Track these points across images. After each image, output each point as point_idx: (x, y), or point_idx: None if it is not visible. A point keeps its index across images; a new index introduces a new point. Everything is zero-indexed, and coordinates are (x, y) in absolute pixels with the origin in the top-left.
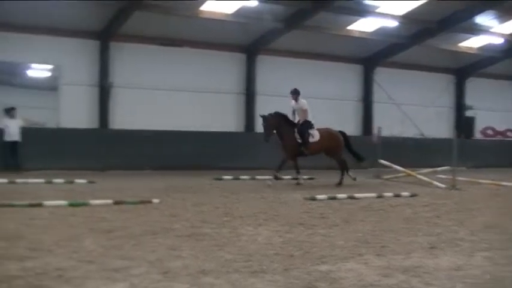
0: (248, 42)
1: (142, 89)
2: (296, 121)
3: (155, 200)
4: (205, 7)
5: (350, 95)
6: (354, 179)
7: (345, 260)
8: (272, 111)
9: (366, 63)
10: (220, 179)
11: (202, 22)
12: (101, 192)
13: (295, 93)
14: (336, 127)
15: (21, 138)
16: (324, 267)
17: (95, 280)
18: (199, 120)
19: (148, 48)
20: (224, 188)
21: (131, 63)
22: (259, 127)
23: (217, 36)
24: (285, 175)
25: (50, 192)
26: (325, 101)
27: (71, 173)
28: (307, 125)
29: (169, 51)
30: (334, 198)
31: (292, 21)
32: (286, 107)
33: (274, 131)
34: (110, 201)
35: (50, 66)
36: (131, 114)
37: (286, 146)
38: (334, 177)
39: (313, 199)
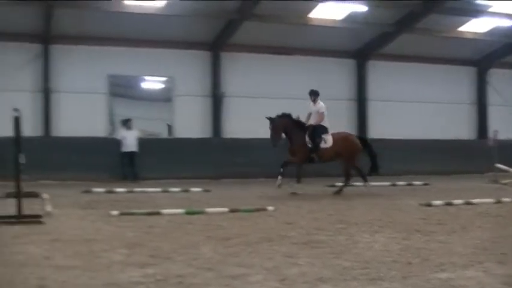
0: (358, 48)
1: (254, 98)
2: (309, 123)
3: (270, 208)
4: (314, 14)
5: (462, 98)
6: (365, 185)
7: (465, 267)
8: (383, 117)
9: (479, 66)
10: (333, 186)
11: (311, 29)
12: (216, 200)
13: (314, 94)
14: (448, 131)
15: (138, 149)
16: (443, 275)
17: (214, 287)
18: None
19: (259, 57)
20: (337, 195)
21: (242, 73)
22: (371, 133)
23: (327, 43)
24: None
25: (167, 200)
26: (436, 104)
27: (186, 181)
28: (321, 129)
29: (279, 59)
30: (450, 204)
31: (403, 24)
32: (403, 112)
33: (284, 135)
34: (225, 209)
35: (163, 78)
36: (243, 123)
37: (295, 150)
38: (451, 182)
39: (429, 205)
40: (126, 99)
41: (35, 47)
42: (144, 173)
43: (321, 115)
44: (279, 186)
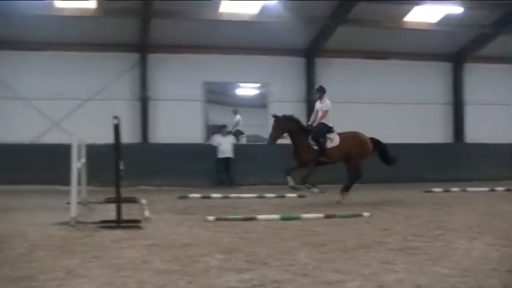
0: (454, 51)
1: (349, 103)
2: (311, 122)
3: (366, 214)
4: (408, 17)
5: None
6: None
7: None
8: (485, 122)
9: None
10: (430, 192)
11: (407, 33)
12: (311, 206)
13: (320, 91)
14: None
15: (233, 155)
16: None
17: None
18: (406, 132)
19: (353, 62)
20: (434, 201)
21: (337, 78)
22: (469, 137)
23: (423, 46)
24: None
25: (262, 206)
26: None
27: (280, 187)
28: (324, 128)
29: (374, 64)
30: None
31: (499, 25)
32: (501, 115)
33: (286, 136)
34: (320, 214)
35: (258, 85)
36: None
37: (302, 156)
38: None
39: None
40: (221, 106)
41: (133, 57)
42: (238, 178)
43: (324, 112)
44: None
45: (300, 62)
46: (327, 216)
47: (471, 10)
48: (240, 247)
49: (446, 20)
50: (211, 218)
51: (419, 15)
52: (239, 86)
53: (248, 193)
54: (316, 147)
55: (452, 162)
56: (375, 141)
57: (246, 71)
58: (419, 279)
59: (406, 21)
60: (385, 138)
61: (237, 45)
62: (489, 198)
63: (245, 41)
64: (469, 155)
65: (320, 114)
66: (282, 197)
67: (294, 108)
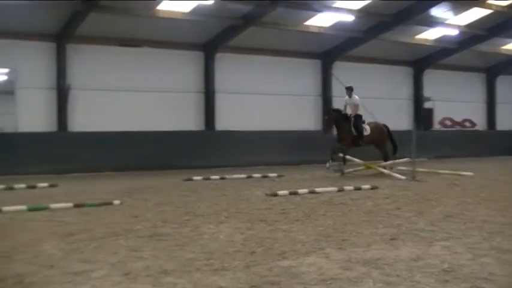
0: (206, 41)
1: (101, 91)
2: (348, 114)
3: (116, 202)
4: (162, 7)
5: (309, 90)
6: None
7: (306, 254)
8: (231, 108)
9: (324, 58)
10: (190, 180)
11: (159, 21)
12: (62, 196)
13: (349, 89)
14: (295, 122)
15: None
16: (285, 263)
17: (56, 284)
18: (160, 120)
19: (106, 49)
20: (186, 188)
21: (90, 65)
22: (219, 125)
23: (176, 35)
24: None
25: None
26: (285, 96)
27: (33, 177)
28: (360, 119)
29: (128, 51)
30: (295, 193)
31: (250, 18)
32: (245, 104)
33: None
34: (70, 204)
35: (6, 70)
36: (90, 116)
37: (344, 137)
38: (298, 172)
39: (275, 195)
40: None
41: None
42: None
43: (356, 106)
44: (330, 168)
45: (50, 47)
46: (76, 206)
47: (222, 3)
48: None
49: (198, 10)
50: None
51: (171, 5)
52: None
53: None
54: (355, 134)
55: (204, 149)
56: (387, 128)
57: None
58: (166, 264)
59: (159, 10)
60: (139, 126)
61: None
62: (240, 184)
63: None
64: (218, 143)
65: (353, 107)
66: (33, 187)
67: (45, 95)
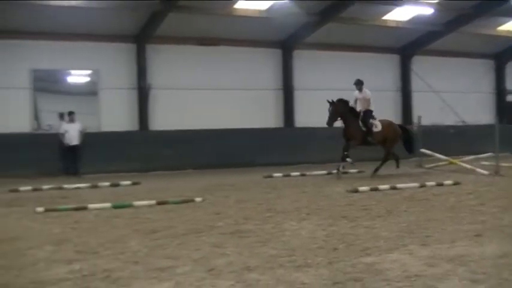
0: (283, 38)
1: (181, 90)
2: (358, 110)
3: (198, 199)
4: (238, 5)
5: (388, 86)
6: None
7: (389, 251)
8: (310, 105)
9: (403, 53)
10: (270, 177)
11: (237, 20)
12: (146, 194)
13: (360, 84)
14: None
15: (80, 142)
16: (368, 259)
17: (142, 280)
18: (239, 117)
19: (186, 49)
20: (266, 185)
21: (169, 65)
22: (299, 122)
23: (253, 33)
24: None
25: (94, 195)
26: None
27: (116, 175)
28: (369, 114)
29: (206, 50)
30: (376, 189)
31: (327, 14)
32: (322, 100)
33: (339, 118)
34: (153, 201)
35: (88, 72)
36: (170, 115)
37: (352, 133)
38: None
39: (356, 191)
40: (51, 94)
41: None
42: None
43: (368, 101)
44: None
45: (130, 48)
46: (159, 203)
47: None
48: (70, 237)
49: (275, 8)
50: (40, 209)
51: (248, 4)
52: (69, 73)
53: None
54: (364, 129)
55: (283, 146)
56: (404, 129)
57: (75, 57)
58: (249, 261)
59: (236, 9)
60: (219, 124)
61: (65, 31)
62: (321, 181)
63: (74, 27)
64: (298, 139)
65: (365, 102)
66: (117, 185)
67: (126, 96)
